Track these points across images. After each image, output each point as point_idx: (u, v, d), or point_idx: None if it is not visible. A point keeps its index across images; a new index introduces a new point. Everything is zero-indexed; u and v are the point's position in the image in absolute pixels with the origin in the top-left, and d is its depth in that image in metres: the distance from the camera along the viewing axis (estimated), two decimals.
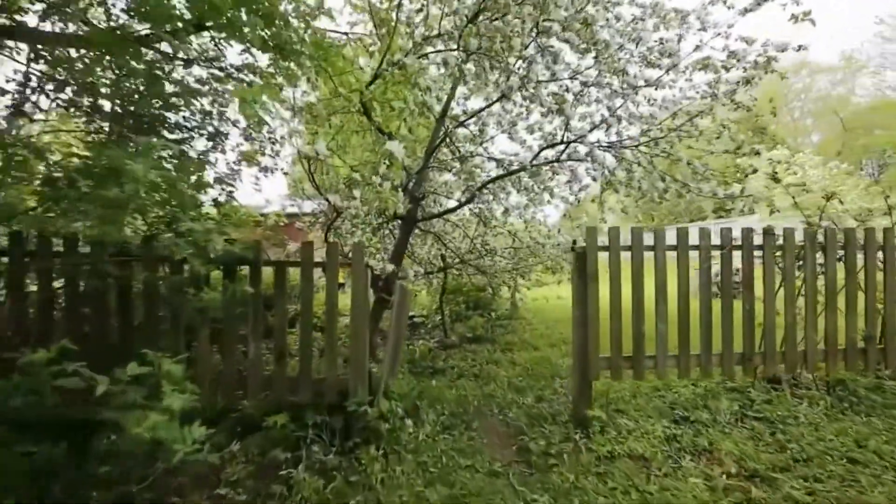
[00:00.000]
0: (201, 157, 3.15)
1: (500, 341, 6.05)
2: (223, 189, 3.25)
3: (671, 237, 3.13)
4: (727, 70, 3.67)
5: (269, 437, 2.69)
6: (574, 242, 3.03)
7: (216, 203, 3.07)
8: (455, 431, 3.12)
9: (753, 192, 3.73)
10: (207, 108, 3.25)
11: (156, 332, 2.66)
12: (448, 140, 4.96)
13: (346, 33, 4.51)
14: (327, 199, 4.43)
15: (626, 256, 3.04)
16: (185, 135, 3.08)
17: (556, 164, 4.83)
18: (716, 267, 9.17)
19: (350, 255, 3.14)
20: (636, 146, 3.87)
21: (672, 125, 3.88)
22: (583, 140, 4.11)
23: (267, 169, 5.09)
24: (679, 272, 3.18)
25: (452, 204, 5.48)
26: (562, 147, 4.26)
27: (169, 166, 2.06)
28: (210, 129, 3.31)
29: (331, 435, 2.73)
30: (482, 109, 4.53)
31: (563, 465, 2.61)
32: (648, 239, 3.07)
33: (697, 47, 3.70)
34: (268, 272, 2.95)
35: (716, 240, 3.36)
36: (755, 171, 3.59)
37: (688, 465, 2.57)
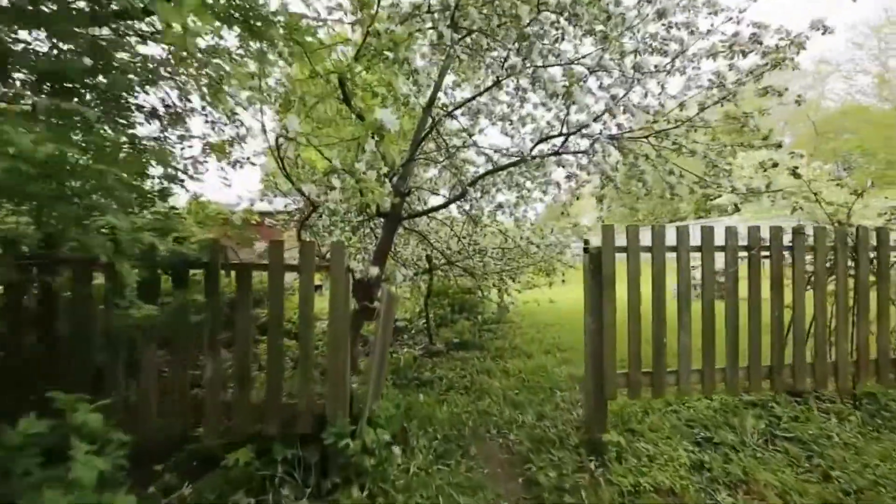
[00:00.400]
0: (154, 143, 2.66)
1: (490, 347, 5.66)
2: (180, 182, 2.76)
3: (695, 237, 2.79)
4: (744, 56, 3.36)
5: (229, 477, 2.23)
6: (587, 243, 2.65)
7: (160, 196, 2.57)
8: (451, 460, 2.70)
9: (770, 189, 3.41)
10: (168, 91, 2.78)
11: (74, 360, 2.16)
12: (436, 132, 4.54)
13: (323, 19, 4.05)
14: (301, 192, 3.96)
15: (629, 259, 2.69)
16: (141, 119, 2.59)
17: (554, 158, 4.47)
18: (694, 272, 8.87)
19: (328, 255, 2.71)
20: (646, 137, 3.51)
21: (682, 116, 3.54)
22: (586, 131, 3.74)
23: (237, 162, 4.59)
24: (704, 276, 2.84)
25: (440, 201, 5.06)
26: (560, 139, 3.89)
27: (87, 144, 1.57)
28: (169, 113, 2.83)
29: (304, 473, 2.28)
30: (474, 97, 4.13)
31: (580, 502, 2.23)
32: (671, 238, 2.72)
33: (709, 31, 3.39)
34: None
35: (736, 241, 3.03)
36: (775, 164, 3.28)
37: (725, 500, 2.22)
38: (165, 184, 2.25)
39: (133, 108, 2.50)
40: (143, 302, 1.90)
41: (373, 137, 2.66)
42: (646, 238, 2.68)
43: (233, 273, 2.50)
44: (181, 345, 2.36)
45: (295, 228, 4.95)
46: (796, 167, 3.21)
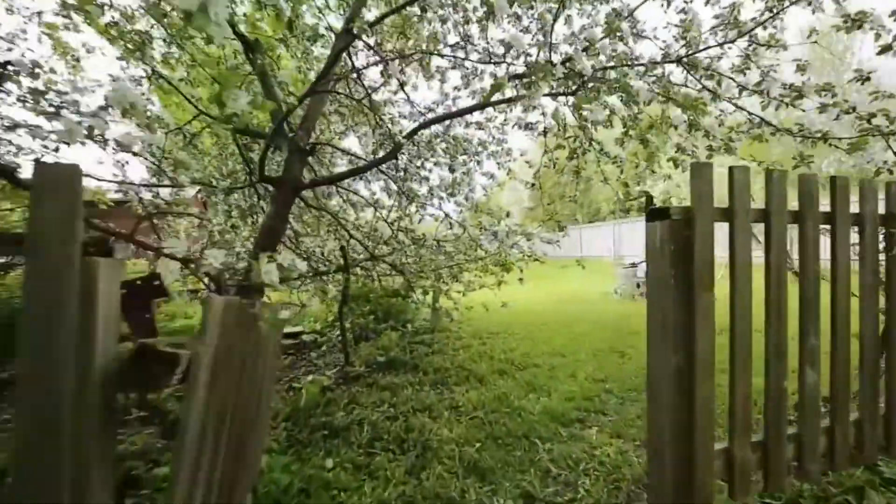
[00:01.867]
0: None
1: (427, 367, 4.33)
2: None
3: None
4: None
5: None
6: (650, 202, 1.41)
7: None
8: None
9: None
10: None
11: None
12: (351, 65, 3.12)
13: None
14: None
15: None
16: None
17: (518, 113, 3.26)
18: (643, 268, 8.01)
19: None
20: (677, 60, 2.36)
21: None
22: (575, 63, 2.54)
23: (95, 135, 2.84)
24: (838, 271, 1.66)
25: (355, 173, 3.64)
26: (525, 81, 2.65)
27: None
28: None
29: None
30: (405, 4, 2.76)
31: None
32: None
33: None
34: None
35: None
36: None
37: None
38: None
39: None
40: None
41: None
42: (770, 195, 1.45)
43: None
44: None
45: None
46: None
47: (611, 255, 19.62)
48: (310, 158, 3.45)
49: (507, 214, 4.15)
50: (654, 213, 1.29)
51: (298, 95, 2.85)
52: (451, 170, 3.66)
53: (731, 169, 1.33)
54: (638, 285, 8.53)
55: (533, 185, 3.37)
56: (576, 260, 4.04)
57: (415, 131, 2.94)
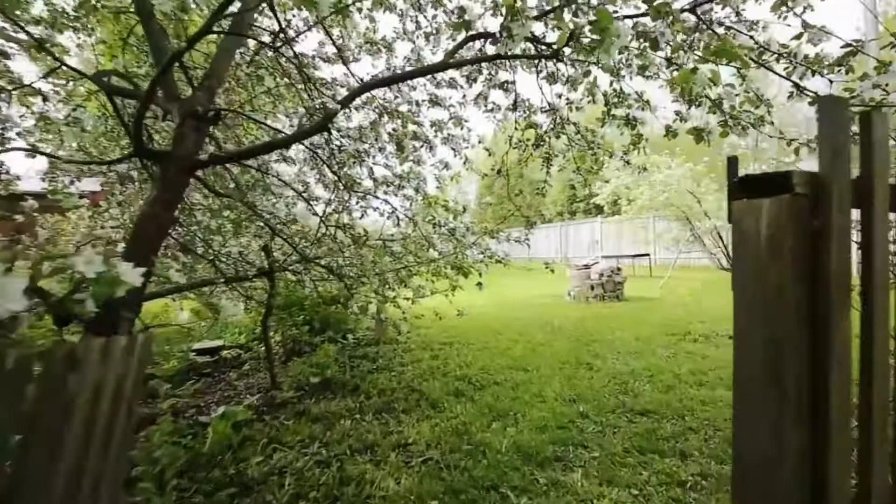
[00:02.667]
0: None
1: (370, 388, 3.67)
2: None
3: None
4: None
5: None
6: (732, 164, 0.86)
7: None
8: None
9: None
10: None
11: None
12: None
13: None
14: None
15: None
16: None
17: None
18: (601, 264, 7.79)
19: None
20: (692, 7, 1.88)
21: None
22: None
23: None
24: None
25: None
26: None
27: None
28: None
29: None
30: None
31: None
32: None
33: None
34: None
35: None
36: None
37: None
38: None
39: None
40: None
41: None
42: None
43: None
44: None
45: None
46: None
47: (558, 257, 19.72)
48: (223, 135, 2.71)
49: (464, 209, 3.58)
50: (749, 185, 0.76)
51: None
52: (400, 148, 3.03)
53: (866, 114, 0.82)
54: (592, 287, 8.28)
55: (499, 171, 2.82)
56: (544, 263, 3.54)
57: (353, 95, 2.28)
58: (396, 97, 3.37)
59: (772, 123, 2.16)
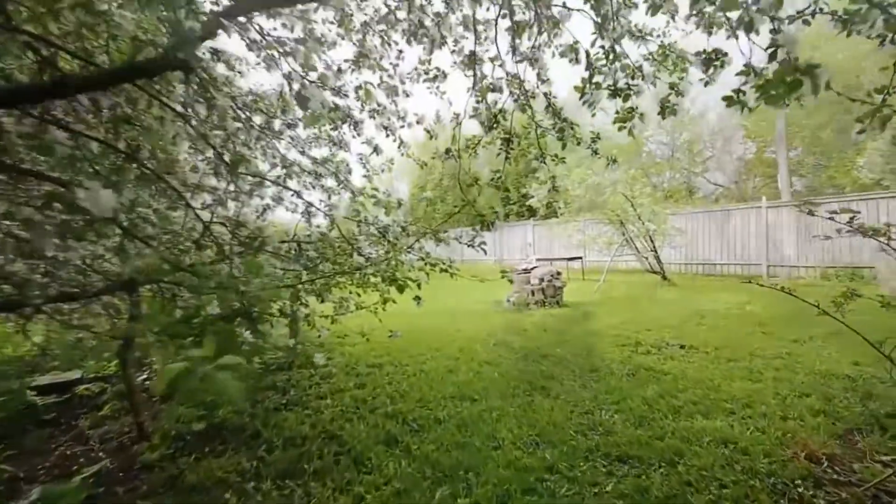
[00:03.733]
0: None
1: (273, 435, 2.80)
2: None
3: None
4: None
5: None
6: None
7: None
8: None
9: None
10: None
11: None
12: None
13: None
14: None
15: None
16: None
17: None
18: (541, 269, 7.27)
19: None
20: None
21: None
22: None
23: None
24: None
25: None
26: None
27: None
28: None
29: None
30: None
31: None
32: None
33: None
34: None
35: None
36: None
37: None
38: None
39: None
40: None
41: None
42: None
43: None
44: None
45: None
46: None
47: (491, 260, 19.49)
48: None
49: (399, 204, 2.83)
50: None
51: None
52: (302, 102, 2.19)
53: None
54: (532, 293, 7.85)
55: (447, 151, 2.10)
56: (500, 268, 2.88)
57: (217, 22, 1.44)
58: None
59: None
